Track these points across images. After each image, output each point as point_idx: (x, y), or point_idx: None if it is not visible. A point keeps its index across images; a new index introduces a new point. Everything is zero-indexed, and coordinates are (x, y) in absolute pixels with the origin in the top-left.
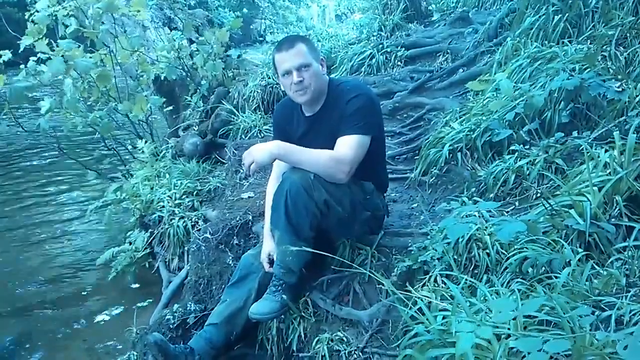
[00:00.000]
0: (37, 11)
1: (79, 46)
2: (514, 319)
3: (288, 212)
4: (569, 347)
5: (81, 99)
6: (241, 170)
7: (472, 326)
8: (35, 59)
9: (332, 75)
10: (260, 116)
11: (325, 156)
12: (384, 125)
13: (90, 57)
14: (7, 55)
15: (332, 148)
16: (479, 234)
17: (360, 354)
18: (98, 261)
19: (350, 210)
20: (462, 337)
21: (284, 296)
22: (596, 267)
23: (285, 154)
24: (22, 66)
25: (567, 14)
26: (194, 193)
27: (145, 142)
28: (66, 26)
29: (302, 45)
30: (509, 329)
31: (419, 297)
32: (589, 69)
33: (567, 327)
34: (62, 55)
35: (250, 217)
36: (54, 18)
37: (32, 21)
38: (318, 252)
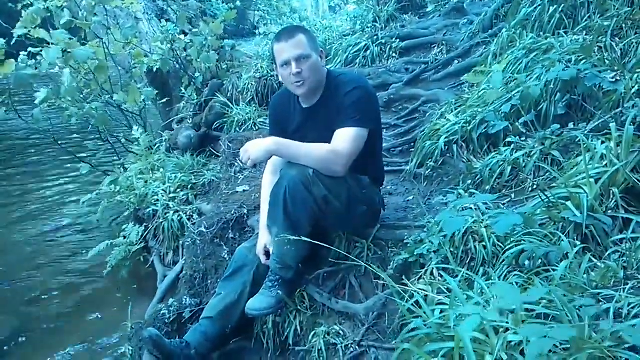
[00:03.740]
0: (31, 4)
1: (71, 38)
2: (512, 312)
3: (287, 208)
4: (574, 334)
5: (79, 89)
6: (236, 164)
7: (477, 308)
8: (25, 53)
9: (328, 67)
10: (254, 108)
11: (322, 150)
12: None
13: (92, 44)
14: (1, 44)
15: (329, 140)
16: (475, 227)
17: (357, 347)
18: (90, 253)
19: (348, 205)
20: (469, 319)
21: (280, 292)
22: (593, 259)
23: (281, 149)
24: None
25: (562, 5)
26: (189, 186)
27: (141, 133)
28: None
29: (302, 36)
30: (507, 322)
31: (415, 291)
32: (584, 60)
33: (565, 320)
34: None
35: (246, 211)
36: (47, 10)
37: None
38: (316, 244)
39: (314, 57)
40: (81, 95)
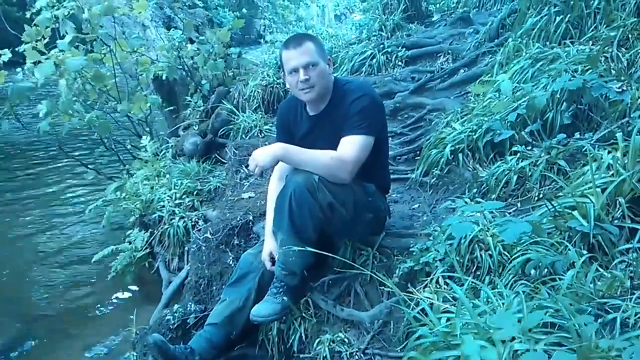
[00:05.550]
0: (39, 11)
1: (78, 46)
2: (519, 321)
3: (292, 215)
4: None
5: (77, 100)
6: (241, 170)
7: (477, 346)
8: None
9: (334, 75)
10: (260, 116)
11: (328, 156)
12: None
13: (91, 55)
14: (6, 55)
15: (335, 148)
16: (481, 235)
17: (362, 355)
18: (95, 257)
19: (353, 212)
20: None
21: (285, 298)
22: (600, 269)
23: (287, 155)
24: (19, 69)
25: (568, 15)
26: (194, 193)
27: (148, 140)
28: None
29: (310, 44)
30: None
31: (421, 299)
32: (591, 70)
33: (572, 330)
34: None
35: (251, 217)
36: (54, 19)
37: (34, 24)
38: (321, 252)
39: (322, 65)
40: (84, 105)
